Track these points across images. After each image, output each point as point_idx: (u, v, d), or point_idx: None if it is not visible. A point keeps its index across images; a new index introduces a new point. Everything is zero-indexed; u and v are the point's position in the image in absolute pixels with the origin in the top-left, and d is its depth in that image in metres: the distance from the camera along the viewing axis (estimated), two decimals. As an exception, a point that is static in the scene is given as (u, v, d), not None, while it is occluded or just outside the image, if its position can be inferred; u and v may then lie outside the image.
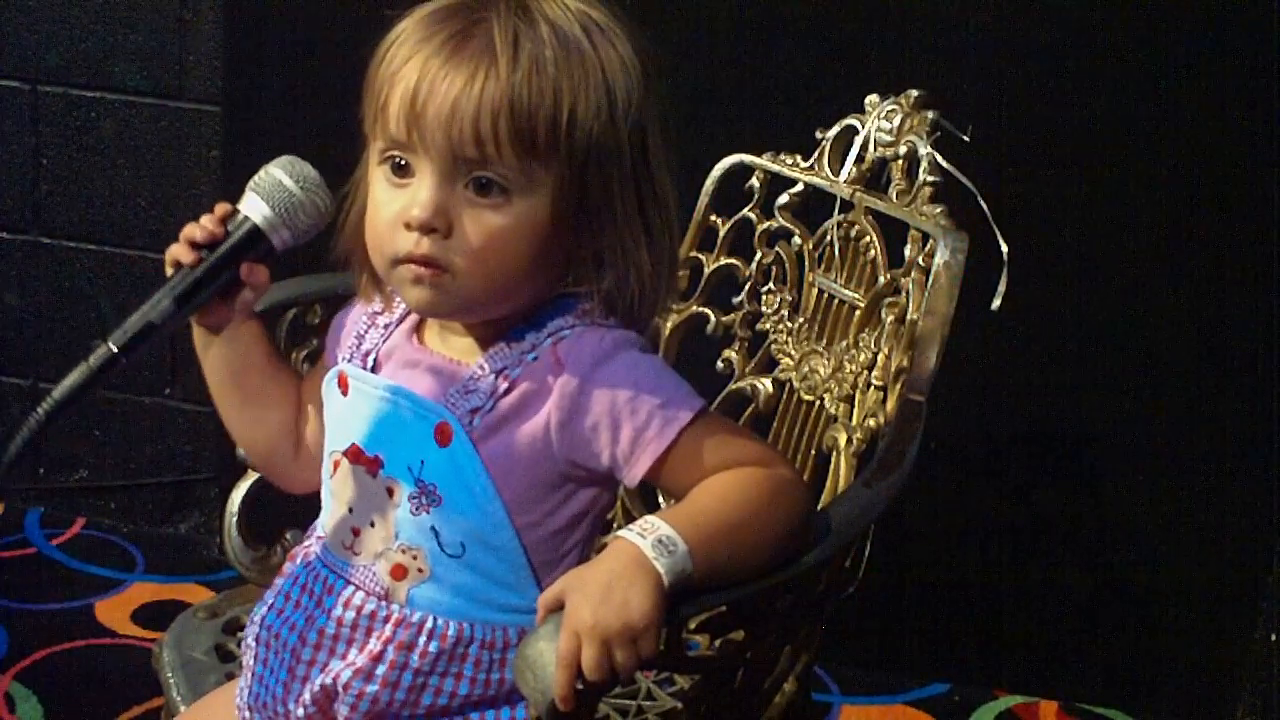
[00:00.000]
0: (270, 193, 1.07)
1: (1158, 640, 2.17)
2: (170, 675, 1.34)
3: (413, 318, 1.12)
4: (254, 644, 1.13)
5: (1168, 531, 2.11)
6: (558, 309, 1.05)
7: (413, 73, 0.99)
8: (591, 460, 1.04)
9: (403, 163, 1.01)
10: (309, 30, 2.07)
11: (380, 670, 1.06)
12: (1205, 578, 2.12)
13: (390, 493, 1.06)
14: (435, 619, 1.06)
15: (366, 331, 1.13)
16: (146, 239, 2.26)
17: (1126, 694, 2.18)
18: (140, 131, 2.22)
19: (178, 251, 1.07)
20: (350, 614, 1.08)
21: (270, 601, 1.13)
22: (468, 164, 0.99)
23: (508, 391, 1.04)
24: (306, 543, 1.16)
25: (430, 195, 0.99)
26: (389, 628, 1.07)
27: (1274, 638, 2.06)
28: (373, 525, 1.08)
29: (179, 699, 1.31)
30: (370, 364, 1.11)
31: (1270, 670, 2.06)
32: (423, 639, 1.06)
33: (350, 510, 1.09)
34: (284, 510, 1.35)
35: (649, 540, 0.95)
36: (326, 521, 1.12)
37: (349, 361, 1.12)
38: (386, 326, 1.12)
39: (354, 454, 1.08)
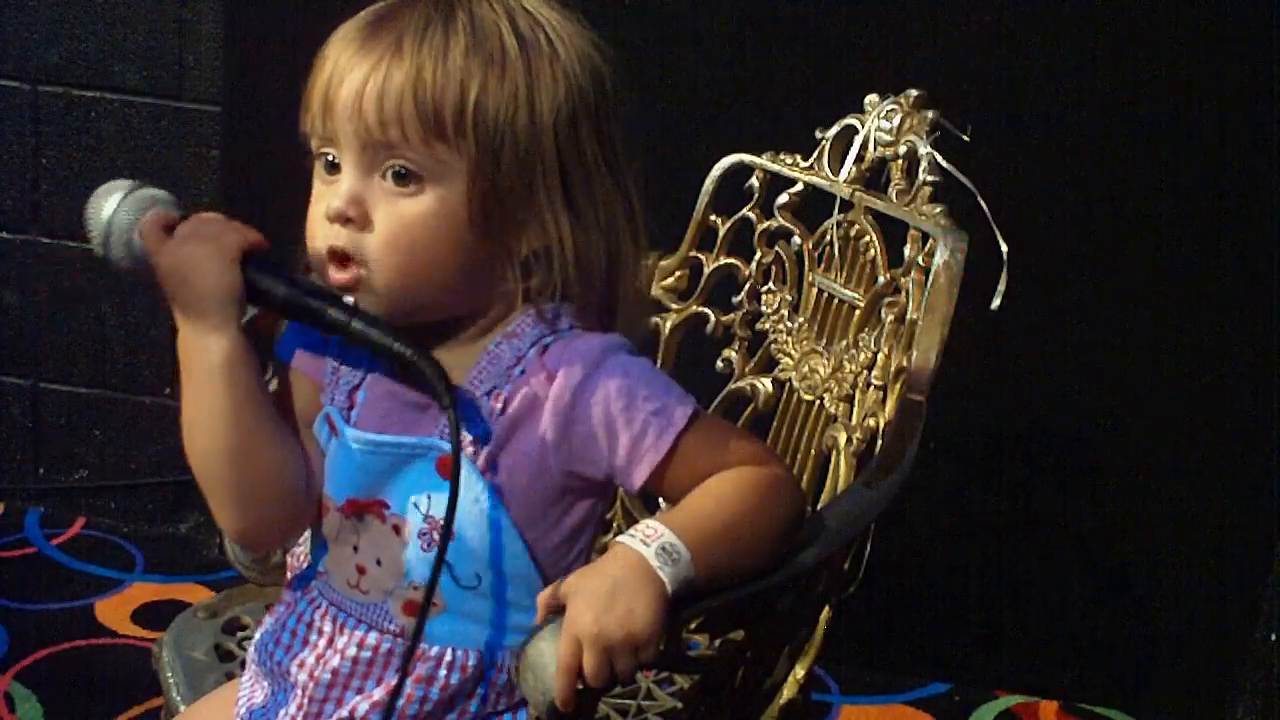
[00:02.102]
0: None
1: (1158, 640, 2.17)
2: (170, 675, 1.34)
3: None
4: (259, 671, 1.12)
5: (1168, 531, 2.11)
6: (527, 321, 1.03)
7: (329, 65, 1.00)
8: (589, 470, 1.03)
9: (333, 160, 1.01)
10: (309, 30, 2.06)
11: (399, 703, 1.04)
12: (1205, 578, 2.12)
13: (397, 531, 1.04)
14: (454, 651, 1.05)
15: (341, 364, 1.09)
16: (146, 239, 2.26)
17: (1126, 694, 2.18)
18: (140, 131, 2.22)
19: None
20: (366, 653, 1.06)
21: (278, 636, 1.10)
22: (377, 151, 0.98)
23: (502, 411, 1.02)
24: (295, 552, 1.14)
25: (347, 185, 0.99)
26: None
27: (1274, 638, 2.06)
28: (379, 564, 1.05)
29: (179, 699, 1.31)
30: (358, 401, 1.07)
31: (1270, 670, 2.06)
32: (443, 671, 1.04)
33: (355, 549, 1.07)
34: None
35: (653, 548, 0.94)
36: (324, 558, 1.09)
37: (332, 403, 1.08)
38: (368, 358, 1.08)
39: (351, 506, 1.06)
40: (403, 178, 0.99)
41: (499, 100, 0.98)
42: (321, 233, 1.01)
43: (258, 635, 1.15)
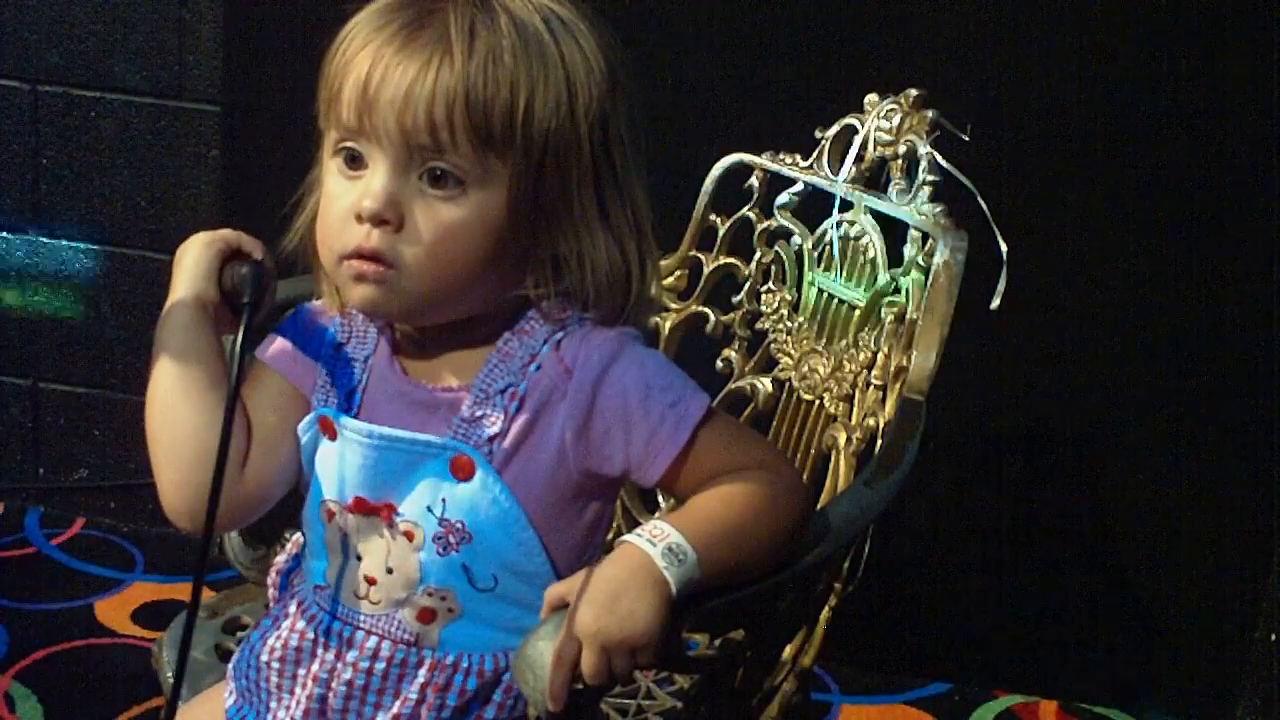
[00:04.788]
0: None
1: (1158, 640, 2.17)
2: (170, 674, 1.34)
3: (388, 348, 1.07)
4: (237, 689, 1.11)
5: (1168, 531, 2.11)
6: (537, 317, 1.03)
7: (365, 61, 0.97)
8: (605, 465, 1.02)
9: (356, 154, 0.99)
10: (309, 30, 2.05)
11: (420, 713, 1.04)
12: (1205, 578, 2.12)
13: (410, 537, 1.03)
14: (470, 657, 1.04)
15: (335, 367, 1.07)
16: (146, 239, 2.26)
17: (1126, 694, 2.18)
18: (140, 131, 2.22)
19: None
20: (380, 664, 1.05)
21: (279, 654, 1.09)
22: (421, 153, 0.96)
23: (519, 409, 1.01)
24: (279, 564, 1.13)
25: (382, 185, 0.97)
26: (423, 672, 1.04)
27: (1274, 638, 2.06)
28: (390, 572, 1.04)
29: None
30: (355, 404, 1.06)
31: (1270, 670, 2.06)
32: (459, 678, 1.04)
33: (359, 559, 1.05)
34: (283, 510, 1.35)
35: (659, 548, 0.94)
36: (325, 571, 1.08)
37: (326, 404, 1.06)
38: (365, 360, 1.07)
39: (358, 505, 1.04)
40: (439, 179, 0.97)
41: (545, 107, 0.97)
42: (348, 232, 0.98)
43: (236, 655, 1.14)
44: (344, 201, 0.99)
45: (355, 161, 0.99)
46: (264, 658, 1.10)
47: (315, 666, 1.07)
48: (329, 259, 1.01)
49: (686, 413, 1.01)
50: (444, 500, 1.02)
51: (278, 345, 1.11)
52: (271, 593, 1.14)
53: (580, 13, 1.02)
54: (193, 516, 1.05)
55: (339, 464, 1.05)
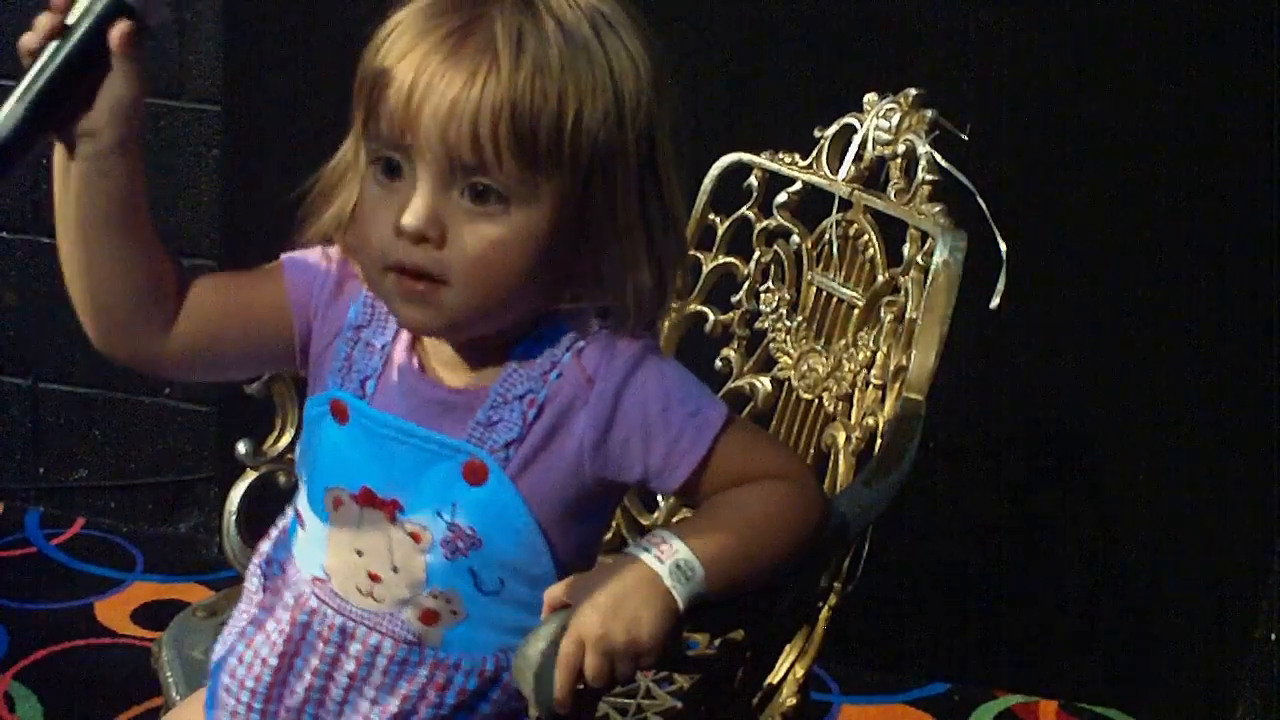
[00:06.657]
0: None
1: (1158, 640, 2.17)
2: (169, 674, 1.34)
3: (407, 340, 1.05)
4: (263, 676, 1.09)
5: (1168, 531, 2.11)
6: (558, 323, 1.01)
7: (409, 69, 0.93)
8: (623, 474, 1.01)
9: (394, 164, 0.95)
10: (309, 30, 2.07)
11: (419, 709, 1.04)
12: (1205, 578, 2.12)
13: (416, 538, 1.02)
14: (471, 658, 1.04)
15: (354, 350, 1.05)
16: (146, 239, 2.26)
17: (1126, 694, 2.18)
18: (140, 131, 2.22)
19: (28, 40, 0.96)
20: (382, 660, 1.04)
21: (280, 648, 1.07)
22: (465, 169, 0.93)
23: (538, 416, 1.00)
24: (263, 552, 1.12)
25: (424, 203, 0.93)
26: (423, 671, 1.04)
27: (1274, 638, 2.06)
28: (395, 571, 1.03)
29: (178, 698, 1.30)
30: (369, 392, 1.04)
31: (1270, 670, 2.06)
32: (459, 678, 1.04)
33: (359, 554, 1.04)
34: (283, 509, 1.35)
35: (667, 564, 0.93)
36: (325, 563, 1.06)
37: (341, 388, 1.04)
38: (383, 348, 1.04)
39: (366, 496, 1.03)
40: (482, 196, 0.94)
41: (594, 119, 0.94)
42: (389, 247, 0.95)
43: (221, 651, 1.12)
44: (383, 212, 0.96)
45: (393, 171, 0.96)
46: (287, 663, 1.08)
47: (315, 661, 1.06)
48: (370, 266, 0.99)
49: (706, 422, 1.00)
50: (454, 504, 1.01)
51: (303, 261, 1.06)
52: (255, 581, 1.12)
53: (625, 10, 0.98)
54: (120, 353, 1.12)
55: (350, 450, 1.04)
